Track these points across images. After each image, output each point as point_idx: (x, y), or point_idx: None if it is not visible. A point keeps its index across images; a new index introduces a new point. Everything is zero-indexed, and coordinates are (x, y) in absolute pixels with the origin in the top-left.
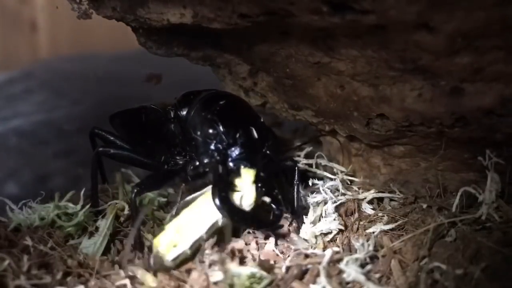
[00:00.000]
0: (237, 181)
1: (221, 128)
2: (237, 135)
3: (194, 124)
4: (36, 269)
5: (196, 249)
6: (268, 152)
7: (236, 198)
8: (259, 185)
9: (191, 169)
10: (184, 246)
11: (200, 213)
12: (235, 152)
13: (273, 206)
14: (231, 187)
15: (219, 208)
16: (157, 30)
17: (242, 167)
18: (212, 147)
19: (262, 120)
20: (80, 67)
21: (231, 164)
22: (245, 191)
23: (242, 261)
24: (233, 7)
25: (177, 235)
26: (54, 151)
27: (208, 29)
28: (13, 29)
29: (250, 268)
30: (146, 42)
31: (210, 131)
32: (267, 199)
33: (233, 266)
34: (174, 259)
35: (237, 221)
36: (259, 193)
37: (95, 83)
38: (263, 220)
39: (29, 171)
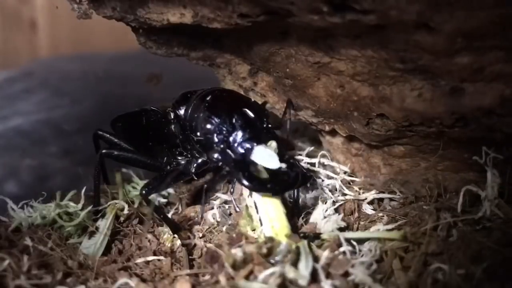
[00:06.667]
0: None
1: (217, 120)
2: (234, 120)
3: (192, 124)
4: (36, 269)
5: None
6: (270, 125)
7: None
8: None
9: (194, 167)
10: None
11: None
12: (239, 136)
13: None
14: (250, 167)
15: (249, 187)
16: (157, 30)
17: (253, 146)
18: (216, 140)
19: (253, 100)
20: (80, 67)
21: (239, 148)
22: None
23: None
24: (233, 7)
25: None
26: (54, 151)
27: (208, 29)
28: (13, 29)
29: (259, 284)
30: (146, 42)
31: (208, 126)
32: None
33: (242, 283)
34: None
35: (270, 191)
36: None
37: (95, 83)
38: (292, 181)
39: (29, 171)
